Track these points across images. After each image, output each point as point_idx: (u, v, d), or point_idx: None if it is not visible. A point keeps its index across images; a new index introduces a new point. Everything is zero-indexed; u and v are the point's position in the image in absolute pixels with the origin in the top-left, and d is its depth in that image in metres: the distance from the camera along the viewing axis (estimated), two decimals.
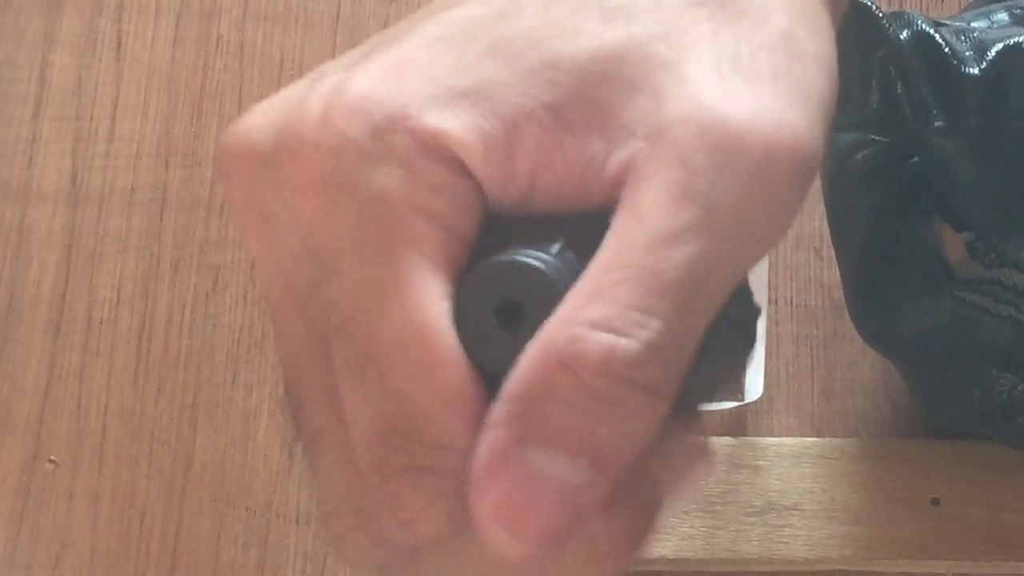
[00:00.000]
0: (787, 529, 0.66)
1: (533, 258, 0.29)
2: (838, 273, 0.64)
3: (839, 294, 0.69)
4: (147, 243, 0.76)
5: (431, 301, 0.29)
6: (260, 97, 0.84)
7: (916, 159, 0.55)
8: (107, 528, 0.71)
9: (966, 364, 0.59)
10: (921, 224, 0.57)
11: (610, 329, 0.27)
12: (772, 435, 0.70)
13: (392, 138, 0.29)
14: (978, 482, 0.67)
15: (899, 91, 0.49)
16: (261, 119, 0.31)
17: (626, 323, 0.28)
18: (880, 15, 0.46)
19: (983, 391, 0.59)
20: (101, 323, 0.75)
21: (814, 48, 0.31)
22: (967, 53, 0.50)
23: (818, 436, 0.70)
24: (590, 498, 0.28)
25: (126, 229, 0.76)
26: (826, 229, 0.63)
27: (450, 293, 0.29)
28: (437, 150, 0.29)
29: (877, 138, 0.56)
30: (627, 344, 0.27)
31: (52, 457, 0.72)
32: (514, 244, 0.29)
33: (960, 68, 0.49)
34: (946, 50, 0.49)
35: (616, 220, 0.29)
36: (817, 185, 0.64)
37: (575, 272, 0.29)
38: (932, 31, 0.49)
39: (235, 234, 0.76)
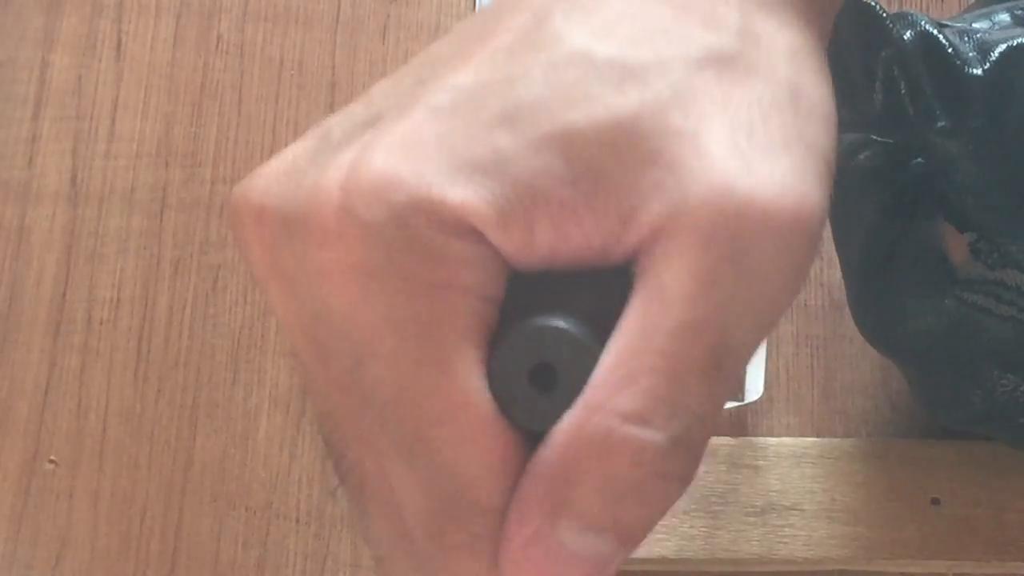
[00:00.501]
0: (787, 529, 0.66)
1: (563, 322, 0.30)
2: (838, 273, 0.64)
3: (839, 294, 0.69)
4: (147, 243, 0.76)
5: (471, 374, 0.29)
6: (260, 97, 0.84)
7: (919, 160, 0.55)
8: (107, 528, 0.71)
9: (968, 365, 0.59)
10: (924, 225, 0.57)
11: (641, 421, 0.28)
12: (772, 435, 0.70)
13: (414, 221, 0.29)
14: (978, 482, 0.67)
15: (902, 91, 0.49)
16: (273, 186, 0.31)
17: (656, 416, 0.28)
18: (884, 15, 0.46)
19: (985, 392, 0.59)
20: (101, 323, 0.75)
21: (819, 100, 0.32)
22: (971, 54, 0.50)
23: (818, 436, 0.70)
24: (615, 565, 0.29)
25: (126, 229, 0.76)
26: (827, 229, 0.63)
27: (484, 357, 0.30)
28: (459, 226, 0.29)
29: (879, 139, 0.56)
30: (658, 440, 0.29)
31: (52, 457, 0.72)
32: (539, 303, 0.30)
33: (964, 69, 0.49)
34: (950, 51, 0.49)
35: (640, 298, 0.29)
36: None
37: (602, 332, 0.30)
38: (936, 32, 0.49)
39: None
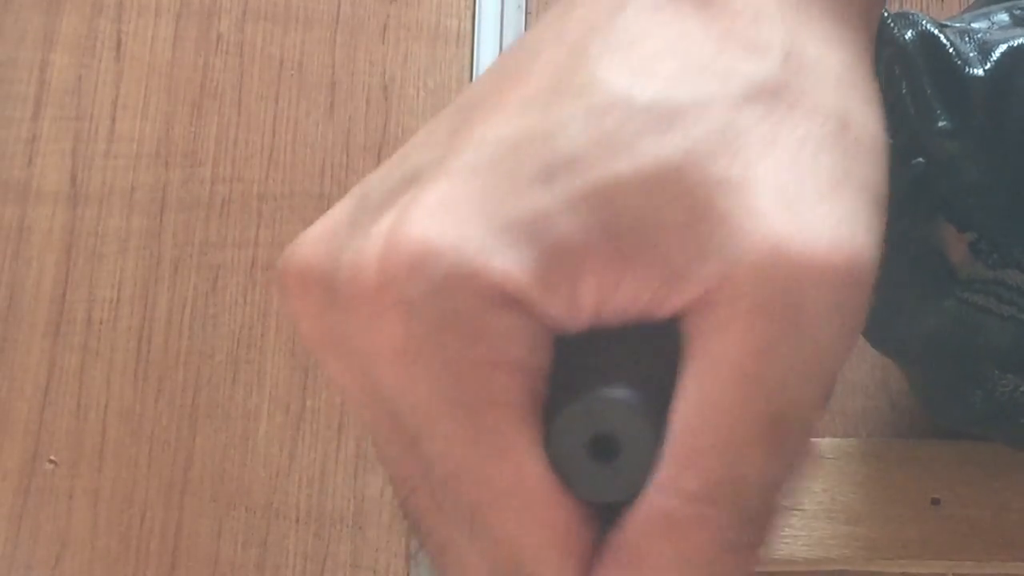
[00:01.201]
0: (787, 529, 0.66)
1: (618, 390, 0.29)
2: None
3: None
4: (147, 243, 0.76)
5: (526, 449, 0.29)
6: (260, 97, 0.84)
7: (920, 160, 0.55)
8: (107, 528, 0.71)
9: (969, 365, 0.59)
10: (924, 224, 0.57)
11: (706, 500, 0.28)
12: None
13: (455, 298, 0.28)
14: (978, 482, 0.67)
15: (904, 91, 0.49)
16: (316, 255, 0.30)
17: (720, 493, 0.28)
18: (886, 15, 0.46)
19: (985, 392, 0.59)
20: (101, 323, 0.75)
21: (868, 130, 0.30)
22: (971, 54, 0.50)
23: (818, 436, 0.70)
24: None
25: (126, 229, 0.76)
26: None
27: (540, 430, 0.29)
28: (500, 298, 0.28)
29: None
30: (724, 518, 0.28)
31: (52, 457, 0.72)
32: (588, 366, 0.30)
33: (965, 69, 0.49)
34: (951, 51, 0.49)
35: (693, 370, 0.28)
36: None
37: (655, 392, 0.29)
38: (937, 32, 0.49)
39: (235, 234, 0.76)
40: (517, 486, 0.29)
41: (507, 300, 0.28)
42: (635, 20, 0.30)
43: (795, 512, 0.66)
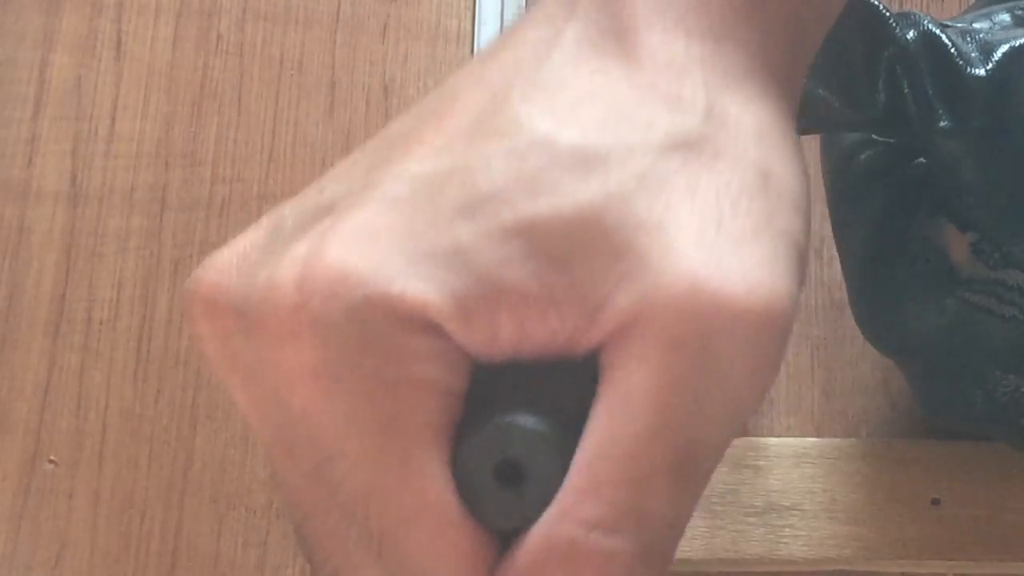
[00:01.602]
0: (787, 529, 0.66)
1: (527, 417, 0.29)
2: (839, 273, 0.64)
3: (840, 294, 0.70)
4: (147, 243, 0.76)
5: (435, 473, 0.29)
6: (260, 97, 0.84)
7: (921, 159, 0.55)
8: (107, 528, 0.71)
9: (969, 365, 0.59)
10: (925, 224, 0.57)
11: (608, 530, 0.28)
12: (773, 435, 0.70)
13: (372, 318, 0.28)
14: (978, 482, 0.67)
15: (905, 91, 0.49)
16: (225, 279, 0.30)
17: (623, 524, 0.28)
18: (888, 15, 0.46)
19: (985, 392, 0.59)
20: (101, 323, 0.75)
21: (789, 182, 0.30)
22: (973, 54, 0.50)
23: (818, 436, 0.70)
24: None
25: (126, 229, 0.76)
26: (827, 229, 0.63)
27: (449, 453, 0.29)
28: (419, 322, 0.28)
29: (881, 139, 0.56)
30: (625, 548, 0.28)
31: (52, 457, 0.72)
32: (504, 395, 0.30)
33: (966, 69, 0.49)
34: (952, 51, 0.49)
35: (605, 401, 0.28)
36: (818, 184, 0.64)
37: (568, 424, 0.29)
38: (939, 32, 0.49)
39: (235, 234, 0.76)
40: (423, 509, 0.28)
41: (424, 324, 0.28)
42: (560, 68, 0.30)
43: (795, 512, 0.66)
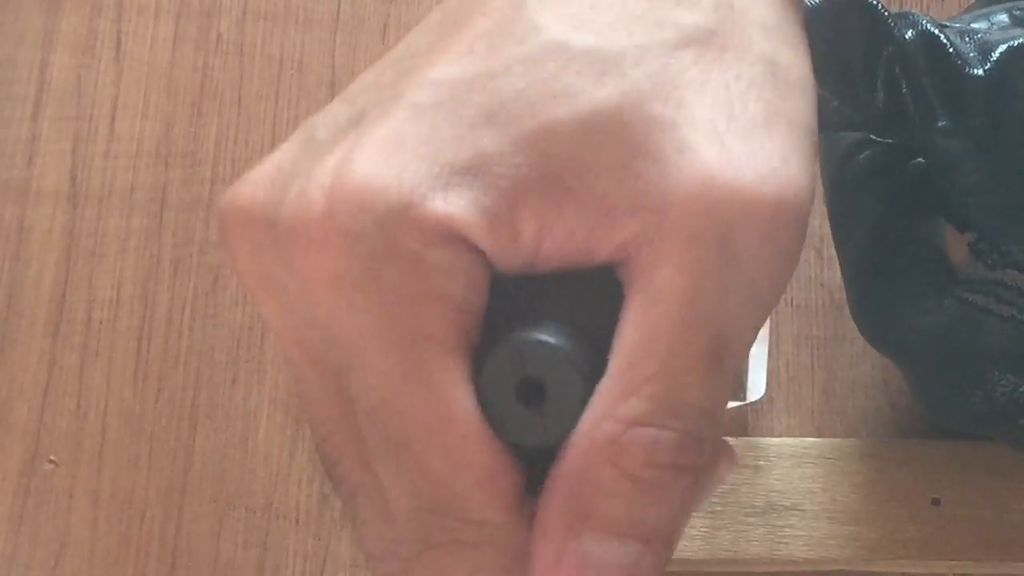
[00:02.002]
0: (787, 529, 0.66)
1: (547, 334, 0.30)
2: (838, 273, 0.64)
3: (839, 294, 0.69)
4: (147, 243, 0.76)
5: (456, 385, 0.30)
6: (260, 97, 0.84)
7: (920, 159, 0.55)
8: (107, 528, 0.71)
9: (968, 365, 0.59)
10: (924, 224, 0.57)
11: (649, 424, 0.29)
12: (772, 435, 0.70)
13: (399, 231, 0.29)
14: (978, 482, 0.67)
15: (904, 91, 0.49)
16: (259, 193, 0.31)
17: (663, 417, 0.29)
18: (886, 14, 0.46)
19: (985, 393, 0.59)
20: (101, 323, 0.75)
21: (797, 72, 0.31)
22: (971, 54, 0.50)
23: (818, 436, 0.70)
24: (649, 569, 0.30)
25: (126, 229, 0.76)
26: (826, 229, 0.63)
27: (470, 369, 0.30)
28: (444, 234, 0.29)
29: (879, 139, 0.56)
30: (667, 436, 0.29)
31: (52, 457, 0.72)
32: (524, 312, 0.30)
33: (965, 69, 0.49)
34: (951, 51, 0.49)
35: (633, 303, 0.29)
36: (818, 184, 0.64)
37: (589, 339, 0.30)
38: (937, 32, 0.49)
39: None
40: (445, 421, 0.29)
41: (448, 236, 0.29)
42: None
43: (795, 512, 0.66)
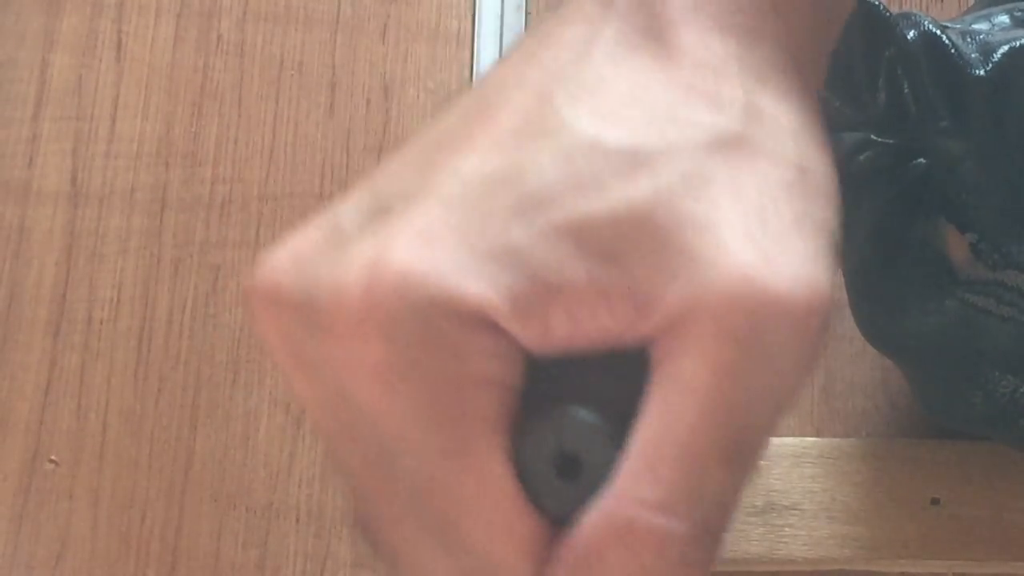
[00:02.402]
0: (787, 529, 0.66)
1: (584, 411, 0.31)
2: (839, 273, 0.64)
3: (839, 294, 0.70)
4: (147, 243, 0.76)
5: (497, 462, 0.30)
6: (260, 97, 0.84)
7: (921, 160, 0.55)
8: (107, 528, 0.71)
9: (968, 366, 0.59)
10: (925, 225, 0.57)
11: (664, 511, 0.29)
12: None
13: (435, 317, 0.29)
14: (978, 482, 0.67)
15: (905, 91, 0.49)
16: (287, 277, 0.31)
17: (679, 505, 0.29)
18: (889, 15, 0.46)
19: (985, 393, 0.59)
20: (101, 323, 0.75)
21: (823, 177, 0.32)
22: (973, 55, 0.50)
23: (818, 436, 0.70)
24: None
25: (126, 229, 0.76)
26: None
27: (509, 445, 0.31)
28: (478, 320, 0.29)
29: (881, 139, 0.56)
30: (681, 529, 0.29)
31: (52, 457, 0.72)
32: (560, 387, 0.31)
33: (966, 70, 0.49)
34: (952, 51, 0.49)
35: (660, 388, 0.30)
36: None
37: (622, 416, 0.30)
38: (939, 32, 0.49)
39: (235, 234, 0.76)
40: (487, 496, 0.30)
41: (484, 323, 0.29)
42: (601, 67, 0.32)
43: (795, 512, 0.67)
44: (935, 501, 0.66)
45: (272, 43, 0.80)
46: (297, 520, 0.71)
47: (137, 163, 0.78)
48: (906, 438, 0.69)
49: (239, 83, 0.79)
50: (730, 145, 0.30)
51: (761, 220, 0.30)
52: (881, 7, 0.46)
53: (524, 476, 0.31)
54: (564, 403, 0.31)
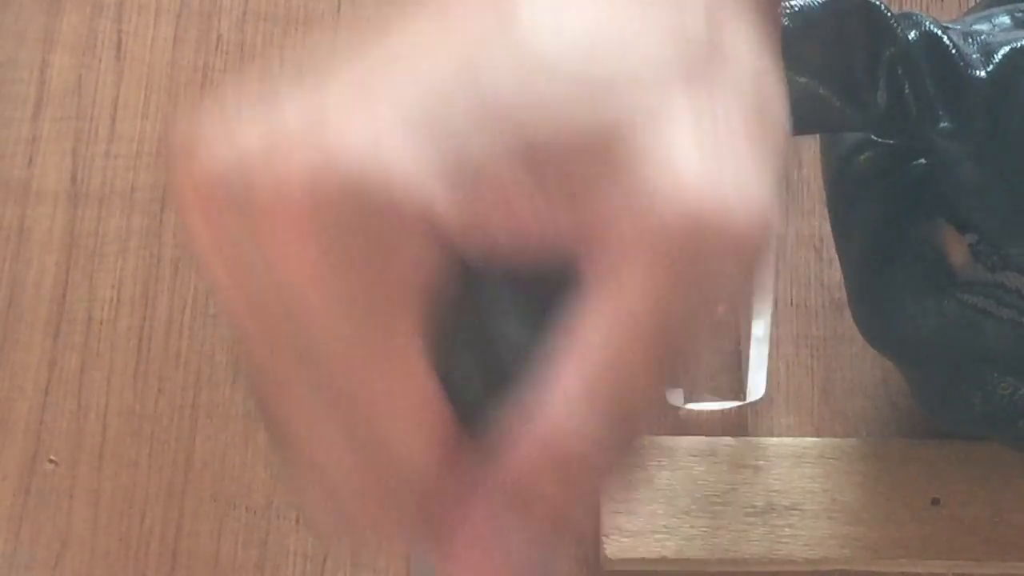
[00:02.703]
0: (787, 529, 0.66)
1: (513, 327, 0.32)
2: (839, 273, 0.64)
3: (839, 294, 0.70)
4: (147, 243, 0.76)
5: (420, 364, 0.31)
6: None
7: (921, 161, 0.55)
8: (107, 528, 0.71)
9: (968, 367, 0.59)
10: (924, 226, 0.57)
11: (602, 443, 0.30)
12: (772, 435, 0.70)
13: (376, 212, 0.29)
14: (978, 482, 0.67)
15: (906, 92, 0.49)
16: (228, 165, 0.30)
17: (615, 437, 0.30)
18: (889, 15, 0.46)
19: (985, 394, 0.60)
20: (101, 323, 0.75)
21: (777, 114, 0.32)
22: (974, 55, 0.50)
23: (818, 436, 0.70)
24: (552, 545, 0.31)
25: (126, 229, 0.76)
26: (826, 229, 0.63)
27: (433, 351, 0.31)
28: (423, 226, 0.29)
29: (880, 140, 0.57)
30: (616, 459, 0.31)
31: (52, 457, 0.72)
32: (487, 307, 0.32)
33: (967, 70, 0.50)
34: (953, 52, 0.49)
35: (594, 302, 0.30)
36: (819, 184, 0.64)
37: (551, 333, 0.31)
38: (940, 33, 0.49)
39: None
40: (403, 387, 0.31)
41: (427, 228, 0.29)
42: None
43: (795, 512, 0.67)
44: (935, 501, 0.66)
45: (272, 43, 0.80)
46: (297, 520, 0.71)
47: (137, 163, 0.78)
48: (906, 438, 0.69)
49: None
50: (690, 77, 0.31)
51: (715, 147, 0.30)
52: (882, 7, 0.46)
53: (447, 385, 0.31)
54: (492, 319, 0.32)
